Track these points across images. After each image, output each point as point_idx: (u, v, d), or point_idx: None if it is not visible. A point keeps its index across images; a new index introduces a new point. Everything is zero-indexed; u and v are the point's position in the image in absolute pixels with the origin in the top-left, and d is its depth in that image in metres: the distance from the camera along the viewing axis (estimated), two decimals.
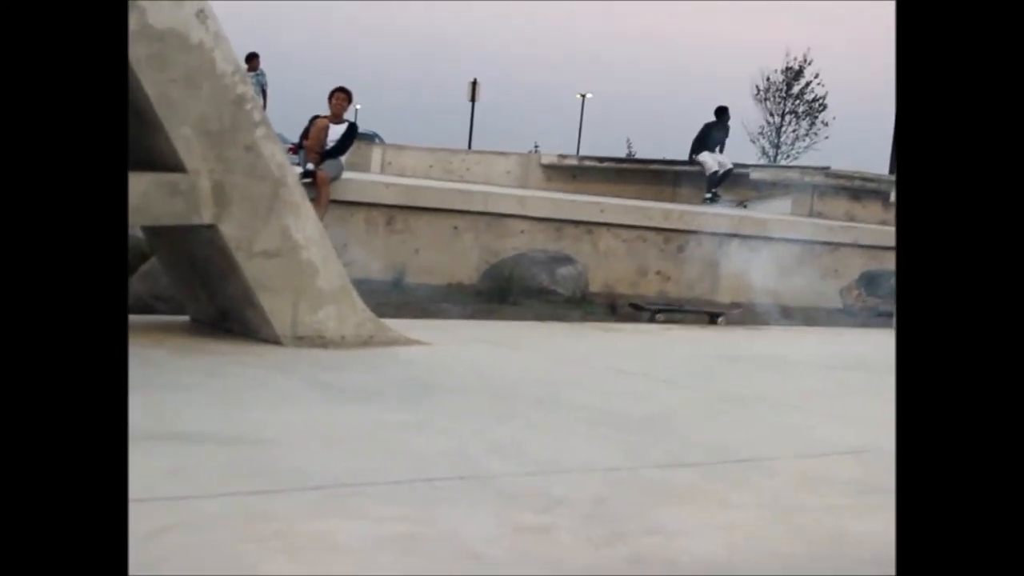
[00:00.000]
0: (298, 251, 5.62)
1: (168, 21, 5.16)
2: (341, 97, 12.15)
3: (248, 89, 5.46)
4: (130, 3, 5.04)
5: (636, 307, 10.07)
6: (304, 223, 5.67)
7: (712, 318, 9.53)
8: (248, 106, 5.44)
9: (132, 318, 6.66)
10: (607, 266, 12.67)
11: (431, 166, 22.81)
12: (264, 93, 19.17)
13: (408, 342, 5.98)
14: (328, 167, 11.39)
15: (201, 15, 5.25)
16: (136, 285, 7.42)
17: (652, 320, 9.21)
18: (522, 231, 12.35)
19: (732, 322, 9.44)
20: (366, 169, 21.96)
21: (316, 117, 12.06)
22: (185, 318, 6.30)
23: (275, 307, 5.55)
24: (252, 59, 19.58)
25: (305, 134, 12.09)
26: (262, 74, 19.39)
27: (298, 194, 5.66)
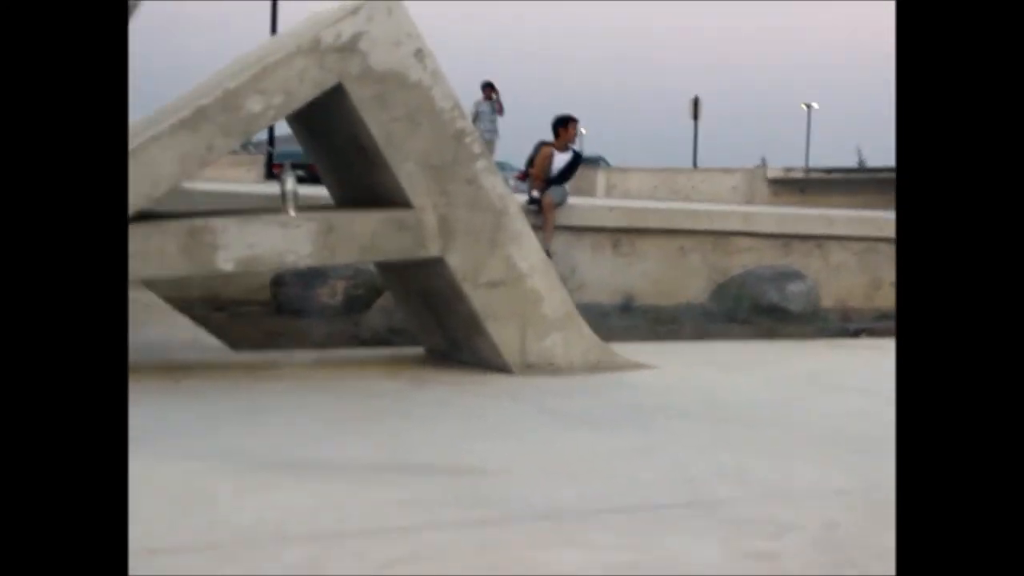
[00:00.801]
0: (523, 280, 5.68)
1: (388, 63, 5.32)
2: (572, 126, 12.29)
3: (467, 124, 5.57)
4: (354, 49, 5.22)
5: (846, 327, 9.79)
6: (527, 252, 5.72)
7: None
8: (468, 140, 5.54)
9: (369, 351, 6.89)
10: (838, 280, 12.34)
11: (656, 187, 22.78)
12: (501, 108, 20.12)
13: (635, 366, 5.95)
14: (553, 193, 11.52)
15: (419, 54, 5.38)
16: (373, 319, 7.67)
17: (856, 336, 8.89)
18: (749, 248, 12.17)
19: None
20: (591, 193, 22.10)
21: (542, 144, 12.20)
22: (420, 349, 6.45)
23: (503, 336, 5.62)
24: (487, 88, 20.11)
25: (530, 162, 12.25)
26: (496, 101, 20.12)
27: (520, 224, 5.72)
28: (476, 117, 20.27)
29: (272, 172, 26.51)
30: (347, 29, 5.26)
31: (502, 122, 20.61)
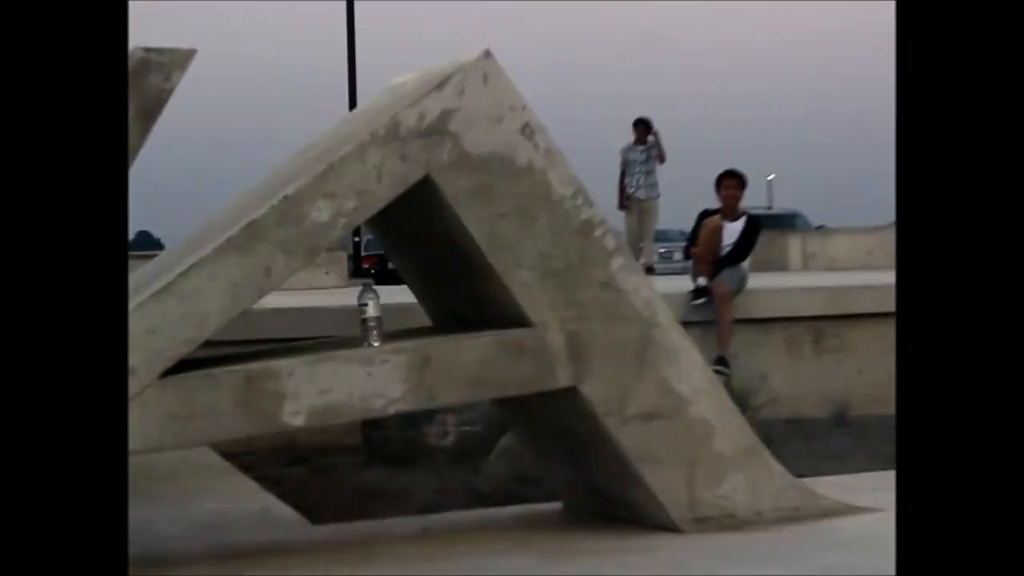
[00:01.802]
0: (684, 408, 5.73)
1: (488, 144, 5.47)
2: (731, 185, 12.21)
3: (594, 212, 5.67)
4: (444, 131, 5.39)
5: None
6: (689, 370, 5.78)
7: None
8: (598, 232, 5.65)
9: (492, 512, 6.98)
10: None
11: (870, 252, 22.45)
12: (661, 156, 19.66)
13: (849, 511, 5.92)
14: (726, 278, 11.50)
15: (527, 130, 5.53)
16: (495, 466, 7.78)
17: None
18: None
19: None
20: (783, 267, 21.95)
21: (705, 213, 12.19)
22: (557, 505, 6.53)
23: (664, 483, 5.67)
24: (640, 127, 19.71)
25: (693, 237, 12.24)
26: (654, 145, 19.67)
27: (675, 334, 5.79)
28: (625, 168, 19.79)
29: (360, 269, 26.93)
30: (433, 107, 5.43)
31: (663, 172, 20.01)
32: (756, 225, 12.19)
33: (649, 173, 19.62)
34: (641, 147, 19.65)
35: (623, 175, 19.90)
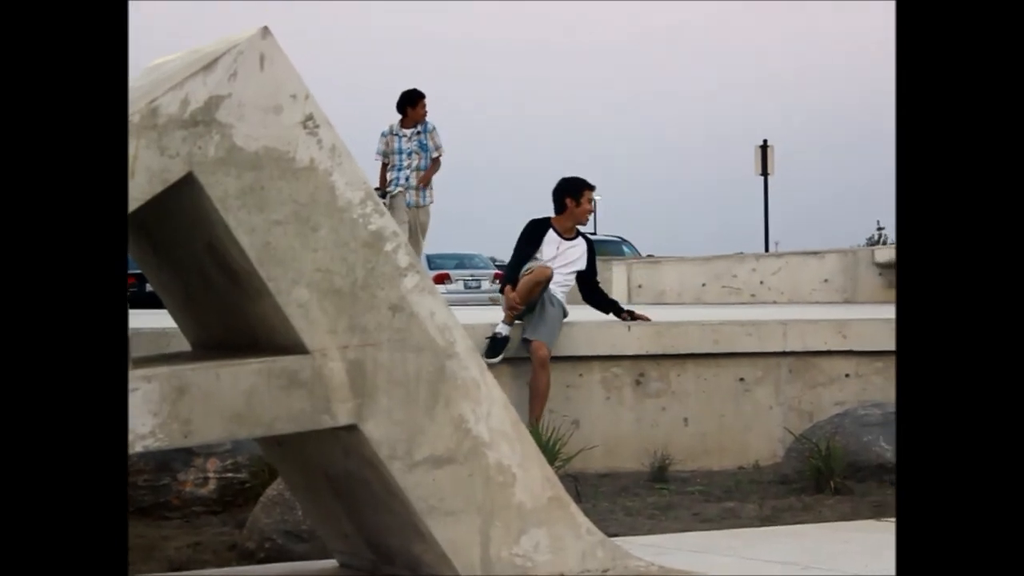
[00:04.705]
0: (482, 452, 5.76)
1: (264, 138, 5.44)
2: (591, 199, 12.10)
3: (385, 222, 5.67)
4: (210, 121, 5.36)
5: None
6: (488, 409, 5.81)
7: None
8: (389, 246, 5.65)
9: (260, 569, 6.97)
10: None
11: (705, 284, 22.92)
12: (435, 159, 17.03)
13: (663, 574, 6.02)
14: (546, 332, 11.20)
15: (310, 124, 5.52)
16: (260, 518, 7.75)
17: None
18: (847, 375, 12.28)
19: None
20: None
21: (536, 224, 11.80)
22: (332, 562, 6.53)
23: (454, 538, 5.70)
24: (409, 100, 16.76)
25: (510, 277, 11.79)
26: (427, 128, 16.94)
27: (474, 367, 5.82)
28: (388, 159, 16.84)
29: None
30: (199, 92, 5.36)
31: (440, 181, 17.01)
32: (593, 250, 12.08)
33: (413, 167, 16.69)
34: (410, 130, 16.75)
35: (384, 170, 16.96)
